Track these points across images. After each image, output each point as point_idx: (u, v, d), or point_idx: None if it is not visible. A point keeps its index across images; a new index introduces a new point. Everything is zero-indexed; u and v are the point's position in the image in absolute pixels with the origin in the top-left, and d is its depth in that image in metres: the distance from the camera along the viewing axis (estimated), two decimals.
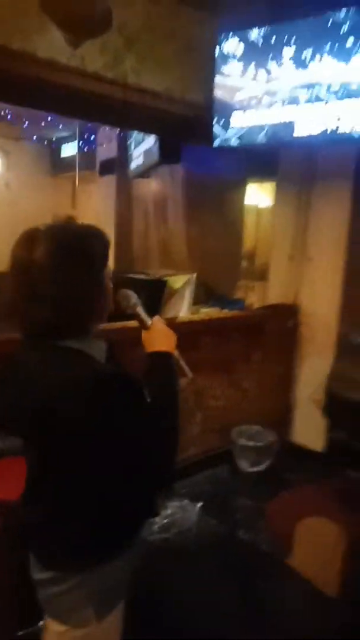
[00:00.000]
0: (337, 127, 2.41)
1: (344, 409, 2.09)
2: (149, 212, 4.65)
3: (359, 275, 3.11)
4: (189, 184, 4.08)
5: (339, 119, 2.42)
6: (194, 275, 2.80)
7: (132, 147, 4.08)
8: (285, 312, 3.34)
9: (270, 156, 3.19)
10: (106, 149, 4.97)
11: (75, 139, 5.36)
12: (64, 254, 1.00)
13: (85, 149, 5.37)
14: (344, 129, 2.41)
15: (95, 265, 1.05)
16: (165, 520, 2.50)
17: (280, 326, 3.34)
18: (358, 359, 1.90)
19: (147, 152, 3.49)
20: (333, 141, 2.51)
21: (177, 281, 2.59)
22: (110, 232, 4.89)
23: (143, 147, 3.60)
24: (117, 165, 4.77)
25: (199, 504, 2.76)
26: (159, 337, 1.19)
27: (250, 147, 2.79)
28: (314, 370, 3.36)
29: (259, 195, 3.42)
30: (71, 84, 2.35)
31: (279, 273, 3.35)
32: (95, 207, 5.29)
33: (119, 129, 4.56)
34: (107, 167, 4.96)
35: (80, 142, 5.33)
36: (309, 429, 3.39)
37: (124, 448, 0.99)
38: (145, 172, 3.92)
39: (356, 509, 2.47)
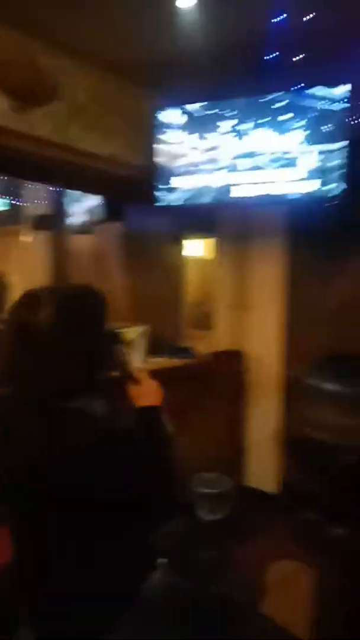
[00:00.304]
0: (271, 191, 2.66)
1: (305, 449, 2.20)
2: (87, 267, 4.69)
3: (297, 322, 3.34)
4: (128, 240, 4.21)
5: (273, 183, 2.68)
6: (147, 327, 2.86)
7: (69, 203, 4.17)
8: (231, 359, 3.47)
9: (209, 214, 3.41)
10: (39, 205, 4.99)
11: None
12: (67, 316, 1.04)
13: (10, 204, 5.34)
14: (278, 191, 2.67)
15: (95, 325, 1.10)
16: None
17: (228, 372, 3.46)
18: (314, 400, 2.04)
19: (90, 210, 3.59)
20: (268, 202, 2.75)
21: (131, 333, 2.64)
22: None
23: (85, 204, 3.70)
24: (53, 220, 4.80)
25: (164, 562, 2.69)
26: (149, 392, 1.21)
27: (190, 208, 2.97)
28: (262, 414, 3.49)
29: (202, 249, 3.61)
30: (20, 147, 2.41)
31: (224, 322, 3.51)
32: (29, 263, 5.24)
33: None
34: (43, 223, 4.96)
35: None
36: (262, 472, 3.47)
37: (130, 496, 1.02)
38: (86, 229, 4.00)
39: (318, 551, 2.56)
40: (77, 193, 3.86)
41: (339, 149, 2.49)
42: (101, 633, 1.08)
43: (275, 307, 3.40)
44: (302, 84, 2.55)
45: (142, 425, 1.17)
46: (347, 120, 2.48)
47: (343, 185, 2.52)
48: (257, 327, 3.48)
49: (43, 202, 4.70)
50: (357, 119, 2.59)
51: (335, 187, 2.54)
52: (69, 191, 4.16)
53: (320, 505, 2.76)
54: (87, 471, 0.98)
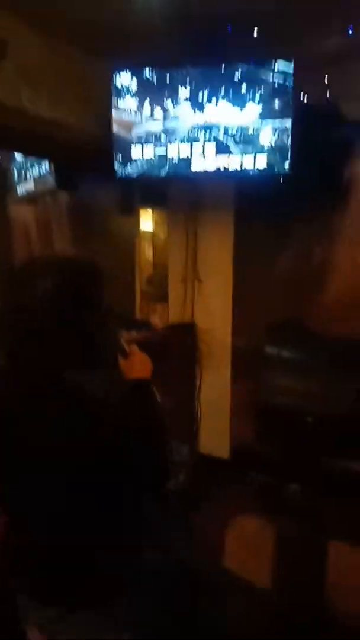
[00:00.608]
0: (228, 165, 2.68)
1: (273, 414, 2.33)
2: (31, 237, 4.52)
3: (244, 295, 3.45)
4: (74, 210, 4.09)
5: (226, 157, 2.70)
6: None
7: (16, 170, 3.95)
8: (183, 331, 3.54)
9: (162, 187, 3.39)
10: None
11: None
12: (65, 292, 1.07)
13: None
14: (231, 165, 2.70)
15: (92, 296, 1.14)
16: None
17: (181, 344, 3.53)
18: (275, 367, 2.15)
19: (40, 178, 3.44)
20: (220, 176, 2.77)
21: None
22: None
23: (33, 172, 3.53)
24: None
25: None
26: (137, 365, 1.26)
27: (146, 180, 2.94)
28: (214, 383, 3.61)
29: (152, 222, 3.59)
30: None
31: (176, 294, 3.55)
32: None
33: None
34: None
35: None
36: (215, 439, 3.62)
37: (125, 467, 1.07)
38: (31, 198, 3.83)
39: (267, 507, 2.74)
40: (23, 159, 3.67)
41: (287, 125, 2.55)
42: (106, 594, 1.15)
43: (224, 279, 3.48)
44: (255, 58, 2.56)
45: (133, 397, 1.21)
46: (292, 96, 2.52)
47: (290, 161, 2.59)
48: (207, 299, 3.55)
49: None
50: (302, 94, 2.66)
51: (283, 163, 2.60)
52: (16, 158, 3.94)
53: (273, 467, 2.94)
54: (83, 438, 1.02)
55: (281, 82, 2.47)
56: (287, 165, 2.55)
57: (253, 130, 2.59)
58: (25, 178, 3.77)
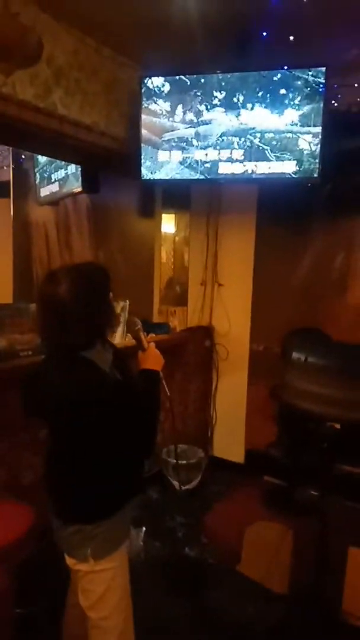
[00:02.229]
0: (255, 170, 2.71)
1: (293, 417, 2.35)
2: (50, 239, 4.57)
3: (264, 299, 3.47)
4: (94, 212, 4.14)
5: (252, 163, 2.73)
6: (127, 302, 2.86)
7: (38, 173, 4.01)
8: (202, 334, 3.56)
9: (184, 189, 3.42)
10: (2, 171, 4.77)
11: None
12: (81, 290, 1.31)
13: None
14: (262, 171, 2.72)
15: (103, 294, 1.38)
16: None
17: (199, 347, 3.55)
18: (301, 372, 2.17)
19: (63, 181, 3.48)
20: (246, 181, 2.80)
21: (115, 307, 2.64)
22: (7, 259, 4.70)
23: (58, 175, 3.57)
24: (11, 189, 4.61)
25: (143, 529, 2.78)
26: (151, 359, 1.56)
27: (172, 183, 2.97)
28: (230, 387, 3.63)
29: (175, 225, 3.62)
30: (5, 111, 2.29)
31: (195, 298, 3.58)
32: None
33: (11, 153, 4.46)
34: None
35: None
36: (229, 443, 3.63)
37: (117, 431, 1.33)
38: (53, 200, 3.88)
39: (281, 511, 2.74)
40: (49, 163, 3.72)
41: (317, 131, 2.57)
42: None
43: (243, 283, 3.51)
44: (287, 65, 2.59)
45: (141, 381, 1.50)
46: (323, 102, 2.55)
47: (318, 168, 2.61)
48: (226, 304, 3.58)
49: (4, 170, 4.50)
50: (333, 102, 2.69)
51: (312, 169, 2.62)
52: (39, 159, 4.00)
53: (289, 471, 2.94)
54: (93, 405, 1.28)
55: (313, 88, 2.50)
56: (316, 172, 2.57)
57: (283, 135, 2.62)
58: (49, 180, 3.82)
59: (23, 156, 4.40)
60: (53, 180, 3.74)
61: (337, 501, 2.40)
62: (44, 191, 3.98)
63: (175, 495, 3.21)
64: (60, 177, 3.57)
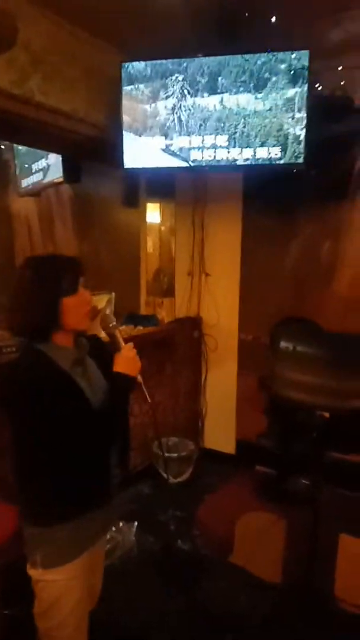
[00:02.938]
0: (240, 156, 2.66)
1: (282, 407, 2.33)
2: (33, 230, 4.48)
3: (252, 289, 3.43)
4: (77, 203, 4.05)
5: (236, 149, 2.67)
6: (113, 294, 2.81)
7: (18, 163, 3.91)
8: (190, 325, 3.52)
9: (168, 177, 3.35)
10: None
11: None
12: (29, 280, 1.29)
13: None
14: (247, 158, 2.67)
15: (49, 287, 1.28)
16: (107, 546, 2.45)
17: (187, 338, 3.51)
18: (290, 361, 2.14)
19: (47, 170, 3.39)
20: (230, 168, 2.74)
21: (100, 301, 2.58)
22: None
23: (39, 165, 3.48)
24: None
25: (135, 524, 2.75)
26: (126, 361, 1.40)
27: (154, 171, 2.91)
28: (219, 378, 3.60)
29: (160, 215, 3.56)
30: None
31: (182, 288, 3.53)
32: None
33: None
34: None
35: None
36: (220, 434, 3.61)
37: (54, 431, 1.24)
38: (33, 191, 3.79)
39: (272, 500, 2.74)
40: (27, 151, 3.62)
41: (302, 116, 2.52)
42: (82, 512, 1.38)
43: (231, 273, 3.46)
44: (270, 49, 2.53)
45: (111, 385, 1.38)
46: (307, 86, 2.49)
47: (303, 153, 2.56)
48: (214, 293, 3.53)
49: None
50: (317, 86, 2.64)
51: (297, 154, 2.58)
52: (19, 149, 3.90)
53: (280, 461, 2.94)
54: (18, 399, 1.23)
55: (297, 72, 2.44)
56: (301, 157, 2.53)
57: (267, 121, 2.56)
58: (30, 171, 3.72)
59: (2, 146, 4.28)
60: (34, 170, 3.65)
61: (328, 489, 2.40)
62: (25, 182, 3.89)
63: (167, 489, 3.19)
64: (41, 167, 3.48)
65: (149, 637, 2.08)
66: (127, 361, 1.39)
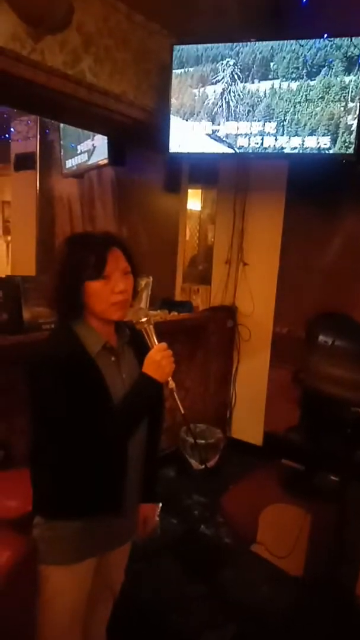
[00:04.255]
0: (288, 145, 2.61)
1: (316, 400, 2.31)
2: (74, 212, 4.54)
3: (290, 280, 3.39)
4: (119, 186, 4.08)
5: (283, 137, 2.63)
6: (150, 278, 2.82)
7: (64, 144, 3.96)
8: (224, 314, 3.51)
9: (212, 164, 3.33)
10: (23, 144, 4.73)
11: None
12: (61, 260, 1.23)
13: None
14: (294, 147, 2.62)
15: (76, 269, 1.20)
16: None
17: (221, 327, 3.51)
18: (327, 356, 2.11)
19: (92, 152, 3.43)
20: (276, 156, 2.70)
21: (138, 284, 2.60)
22: (31, 231, 4.69)
23: (84, 146, 3.52)
24: (37, 161, 4.57)
25: (159, 505, 2.79)
26: (154, 364, 1.24)
27: (199, 157, 2.89)
28: (251, 369, 3.59)
29: (201, 202, 3.54)
30: (34, 78, 2.24)
31: (219, 276, 3.52)
32: (12, 203, 5.01)
33: (38, 124, 4.40)
34: (24, 162, 4.72)
35: None
36: (248, 425, 3.60)
37: (57, 417, 1.17)
38: (77, 172, 3.83)
39: (298, 494, 2.71)
40: (74, 134, 3.66)
41: (354, 106, 2.45)
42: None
43: (269, 263, 3.43)
44: (326, 34, 2.45)
45: (133, 386, 1.26)
46: None
47: (354, 144, 2.49)
48: (251, 283, 3.51)
49: (29, 141, 4.45)
50: None
51: (346, 145, 2.51)
52: (65, 130, 3.94)
53: (308, 455, 2.91)
54: (33, 374, 1.19)
55: (352, 59, 2.37)
56: (351, 147, 2.46)
57: (318, 109, 2.51)
58: (74, 152, 3.76)
59: (49, 127, 4.34)
60: (79, 151, 3.68)
61: (357, 487, 2.36)
62: (69, 163, 3.93)
63: (193, 475, 3.22)
64: (86, 149, 3.51)
65: (166, 616, 2.12)
66: (153, 363, 1.23)
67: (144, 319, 1.26)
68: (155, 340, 1.26)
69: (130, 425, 1.24)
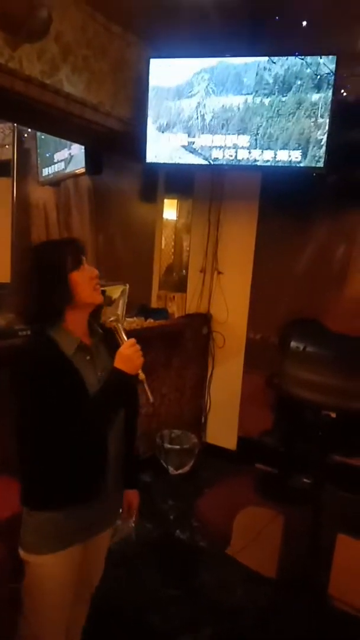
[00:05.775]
0: (261, 157, 2.70)
1: (289, 404, 2.37)
2: (50, 220, 4.53)
3: (263, 288, 3.48)
4: (96, 195, 4.11)
5: (256, 150, 2.72)
6: (127, 286, 2.85)
7: (40, 153, 3.97)
8: (200, 321, 3.57)
9: (187, 174, 3.40)
10: (3, 150, 4.69)
11: None
12: (37, 265, 1.34)
13: None
14: (267, 159, 2.71)
15: (58, 265, 1.31)
16: None
17: (196, 334, 3.57)
18: (299, 361, 2.18)
19: (69, 161, 3.45)
20: (249, 168, 2.78)
21: (114, 291, 2.63)
22: (6, 239, 4.64)
23: (61, 155, 3.54)
24: (13, 168, 4.54)
25: None
26: (124, 358, 1.32)
27: (176, 167, 2.95)
28: (225, 375, 3.65)
29: (177, 211, 3.61)
30: (11, 86, 2.26)
31: (194, 284, 3.58)
32: None
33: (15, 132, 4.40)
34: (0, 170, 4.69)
35: None
36: (222, 430, 3.66)
37: (36, 414, 1.26)
38: (54, 180, 3.85)
39: (272, 497, 2.77)
40: (51, 142, 3.67)
41: (325, 121, 2.55)
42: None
43: (243, 272, 3.51)
44: (297, 52, 2.56)
45: (105, 380, 1.34)
46: (332, 92, 2.52)
47: (324, 158, 2.60)
48: (225, 291, 3.58)
49: (4, 149, 4.43)
50: (342, 92, 2.67)
51: (317, 159, 2.61)
52: (42, 139, 3.95)
53: (281, 459, 2.98)
54: (16, 376, 1.28)
55: (322, 77, 2.48)
56: (321, 161, 2.56)
57: (290, 124, 2.60)
58: (51, 160, 3.77)
59: (25, 135, 4.34)
60: (56, 160, 3.70)
61: (330, 490, 2.43)
62: (46, 171, 3.94)
63: (168, 480, 3.24)
64: (63, 157, 3.54)
65: (143, 619, 2.13)
66: (123, 358, 1.31)
67: (112, 318, 1.39)
68: (125, 337, 1.37)
69: (106, 414, 1.33)
